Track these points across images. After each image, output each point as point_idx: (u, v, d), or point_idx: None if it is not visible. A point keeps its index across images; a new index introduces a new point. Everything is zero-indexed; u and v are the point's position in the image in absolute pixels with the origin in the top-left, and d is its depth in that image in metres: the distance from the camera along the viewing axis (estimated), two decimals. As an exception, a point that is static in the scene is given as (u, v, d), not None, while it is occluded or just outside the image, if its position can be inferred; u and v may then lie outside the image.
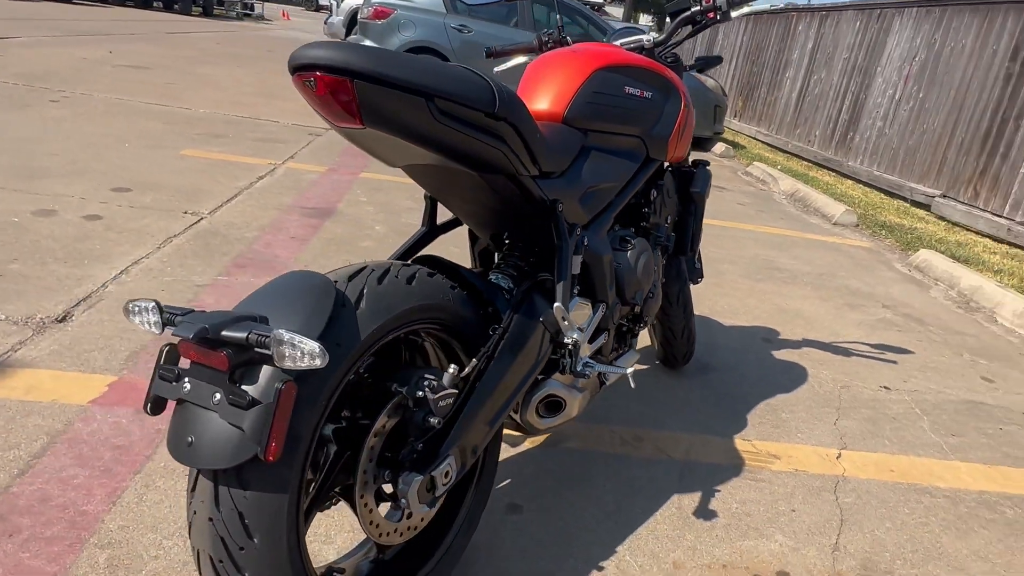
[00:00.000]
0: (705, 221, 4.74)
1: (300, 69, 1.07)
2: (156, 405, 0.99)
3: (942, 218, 6.36)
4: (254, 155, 4.80)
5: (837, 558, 1.69)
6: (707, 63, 2.22)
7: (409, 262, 1.33)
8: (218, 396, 0.92)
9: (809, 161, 8.90)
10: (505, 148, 1.25)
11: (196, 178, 4.02)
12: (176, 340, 0.95)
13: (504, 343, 1.32)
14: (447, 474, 1.23)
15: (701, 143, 8.82)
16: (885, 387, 2.69)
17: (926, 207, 6.65)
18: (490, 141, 1.22)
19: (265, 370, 0.93)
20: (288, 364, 0.88)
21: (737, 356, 2.75)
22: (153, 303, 0.96)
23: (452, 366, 1.23)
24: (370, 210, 3.98)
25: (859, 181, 7.78)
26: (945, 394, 2.71)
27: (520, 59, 2.15)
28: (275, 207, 3.74)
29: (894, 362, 2.94)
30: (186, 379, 0.95)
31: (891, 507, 1.93)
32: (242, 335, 0.90)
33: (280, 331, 0.89)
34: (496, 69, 2.30)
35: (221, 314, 0.95)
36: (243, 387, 0.92)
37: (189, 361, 0.95)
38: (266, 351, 0.89)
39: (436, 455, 1.21)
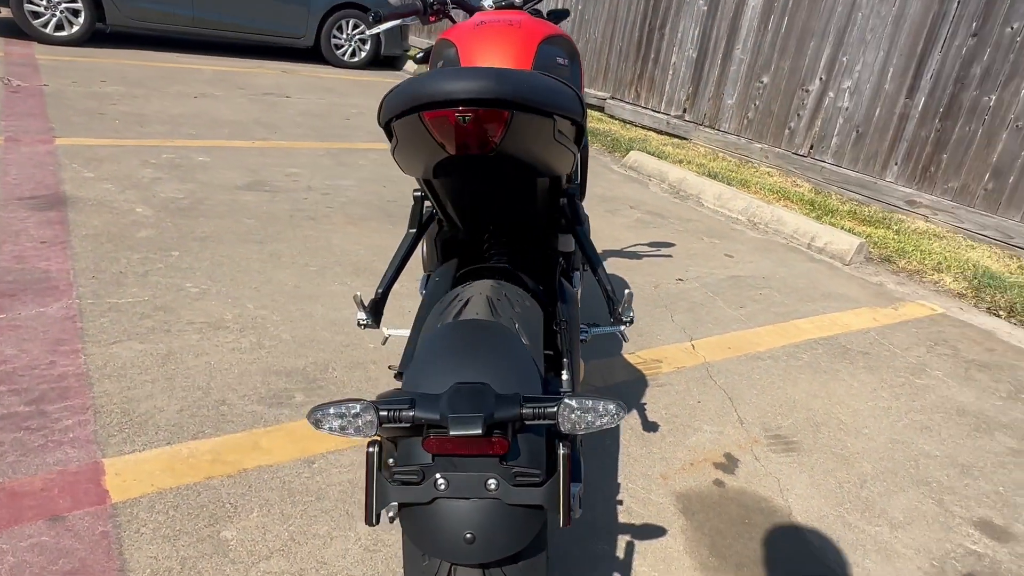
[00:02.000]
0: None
1: (448, 104, 0.93)
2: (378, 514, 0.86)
3: (613, 117, 7.37)
4: None
5: (747, 429, 2.10)
6: (559, 16, 2.28)
7: (464, 272, 1.28)
8: (493, 482, 0.84)
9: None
10: (576, 151, 1.23)
11: None
12: (418, 436, 0.83)
13: (570, 334, 1.35)
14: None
15: (391, 61, 8.74)
16: (680, 279, 3.22)
17: (600, 108, 7.61)
18: (575, 149, 1.19)
19: (537, 440, 0.87)
20: (581, 429, 0.84)
21: (568, 278, 3.04)
22: (367, 403, 0.82)
23: (563, 372, 1.24)
24: (111, 188, 3.29)
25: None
26: (715, 275, 3.35)
27: (395, 22, 1.99)
28: (-11, 205, 2.89)
29: (669, 256, 3.52)
30: (438, 475, 0.84)
31: (747, 377, 2.41)
32: (514, 412, 0.83)
33: (569, 400, 0.83)
34: (370, 32, 2.11)
35: (466, 394, 0.85)
36: (523, 465, 0.85)
37: (433, 454, 0.84)
38: (551, 421, 0.84)
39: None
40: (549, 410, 0.84)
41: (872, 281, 3.51)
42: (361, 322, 1.46)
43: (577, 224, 1.49)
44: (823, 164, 5.15)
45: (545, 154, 1.14)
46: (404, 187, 3.99)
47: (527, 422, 0.85)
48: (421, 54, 2.12)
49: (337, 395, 2.01)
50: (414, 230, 1.53)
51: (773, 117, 5.51)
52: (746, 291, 3.18)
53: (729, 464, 1.93)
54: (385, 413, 0.82)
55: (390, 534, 1.54)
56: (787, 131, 5.40)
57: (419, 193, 1.55)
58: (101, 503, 1.51)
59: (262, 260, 2.79)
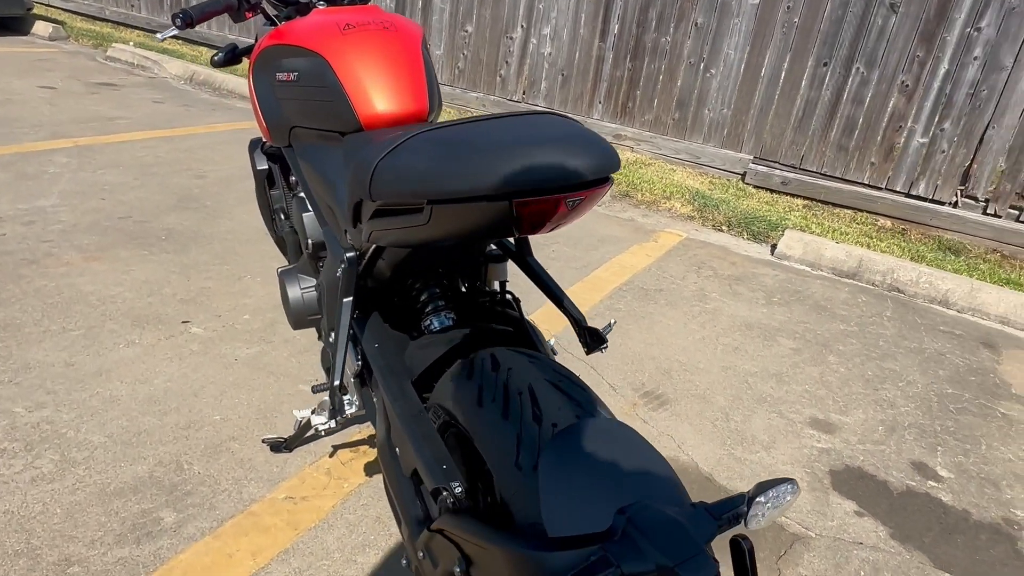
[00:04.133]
0: (126, 137, 4.13)
1: (564, 188, 0.74)
2: None
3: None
4: None
5: (622, 394, 2.21)
6: None
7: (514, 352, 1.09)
8: None
9: (143, 28, 7.93)
10: None
11: None
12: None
13: None
14: None
15: (14, 25, 6.83)
16: (479, 250, 3.18)
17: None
18: None
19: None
20: (765, 524, 0.78)
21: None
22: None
23: None
24: None
25: (212, 45, 7.44)
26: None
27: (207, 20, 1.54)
28: None
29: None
30: None
31: (588, 340, 2.52)
32: (714, 528, 0.74)
33: (761, 498, 0.76)
34: (166, 35, 1.58)
35: (660, 527, 0.73)
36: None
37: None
38: (739, 523, 0.76)
39: None
40: (740, 511, 0.78)
41: (624, 217, 3.88)
42: (321, 429, 1.16)
43: (528, 253, 1.36)
44: (538, 108, 5.44)
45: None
46: (128, 194, 3.23)
47: (720, 533, 0.77)
48: (220, 55, 1.69)
49: (219, 498, 1.61)
50: (350, 298, 1.24)
51: (483, 65, 5.60)
52: (539, 252, 3.27)
53: (626, 434, 2.02)
54: None
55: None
56: (499, 78, 5.55)
57: (352, 253, 1.25)
58: None
59: (-6, 337, 2.05)
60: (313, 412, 1.17)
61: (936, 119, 4.13)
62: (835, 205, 4.48)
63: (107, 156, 3.72)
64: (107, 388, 1.91)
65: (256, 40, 1.73)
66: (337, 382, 1.18)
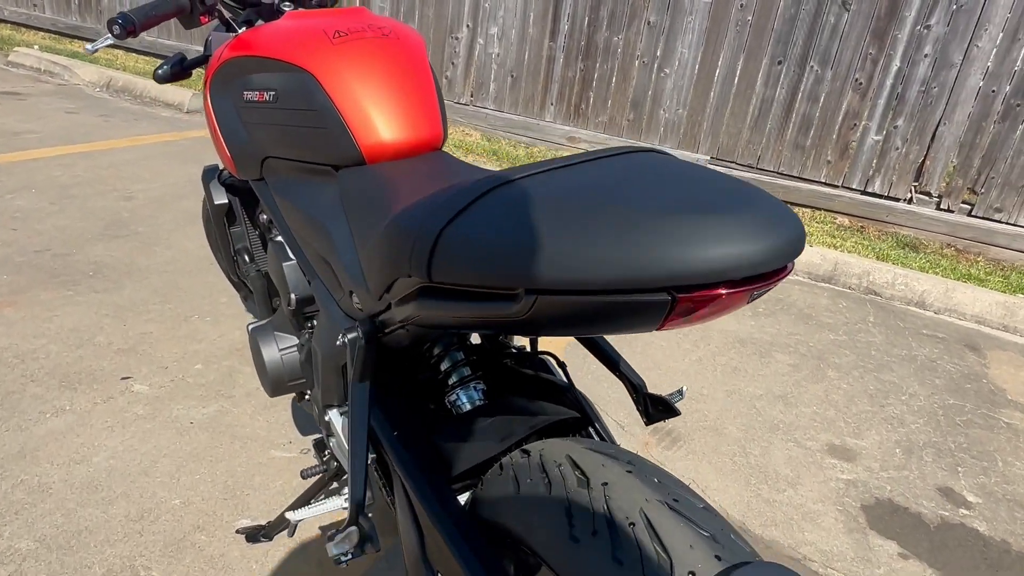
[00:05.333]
0: (47, 152, 3.68)
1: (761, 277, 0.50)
2: None
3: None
4: None
5: (631, 432, 2.00)
6: None
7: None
8: None
9: (49, 31, 7.20)
10: None
11: None
12: None
13: None
14: None
15: None
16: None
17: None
18: None
19: None
20: None
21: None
22: None
23: None
24: None
25: (129, 49, 6.82)
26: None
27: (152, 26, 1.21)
28: None
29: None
30: None
31: (581, 366, 2.29)
32: None
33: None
34: (90, 48, 1.24)
35: None
36: None
37: None
38: None
39: None
40: None
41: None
42: (343, 559, 0.88)
43: None
44: (487, 111, 5.17)
45: None
46: (45, 222, 2.79)
47: None
48: (165, 67, 1.37)
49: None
50: (366, 384, 0.97)
51: (428, 67, 5.29)
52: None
53: (644, 480, 1.81)
54: None
55: None
56: (445, 80, 5.26)
57: (370, 327, 0.97)
58: None
59: None
60: (331, 539, 0.90)
61: (889, 116, 4.10)
62: (794, 204, 4.41)
63: (16, 177, 3.24)
64: (34, 473, 1.56)
65: (208, 48, 1.42)
66: (360, 499, 0.90)
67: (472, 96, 5.19)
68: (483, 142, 4.88)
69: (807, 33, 4.19)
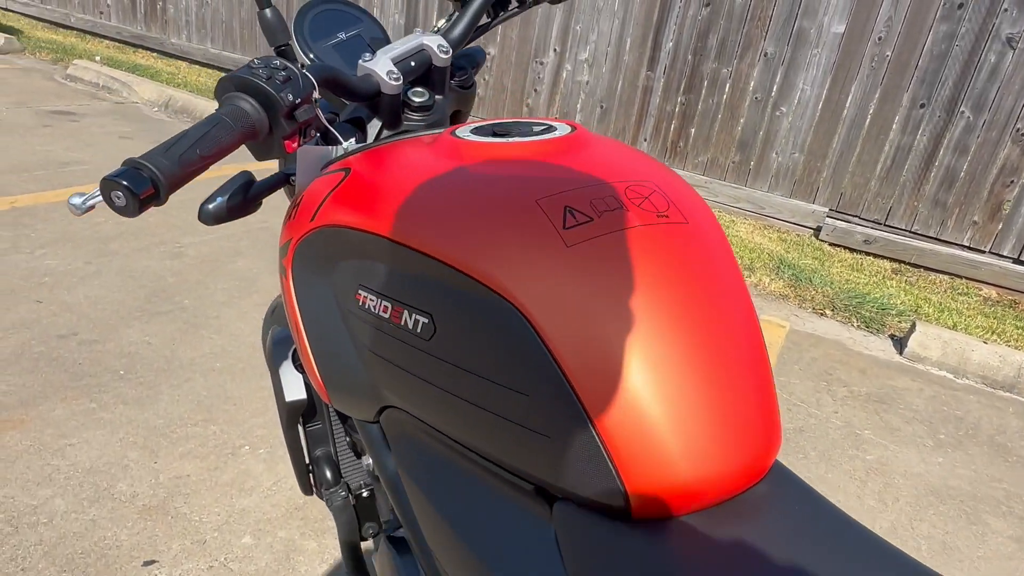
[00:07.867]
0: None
1: None
2: None
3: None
4: None
5: None
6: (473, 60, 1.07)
7: None
8: None
9: (114, 39, 6.85)
10: None
11: None
12: None
13: None
14: None
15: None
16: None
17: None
18: None
19: None
20: None
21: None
22: None
23: None
24: None
25: (193, 60, 6.40)
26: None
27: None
28: None
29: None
30: None
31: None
32: None
33: None
34: (78, 203, 0.65)
35: None
36: None
37: None
38: None
39: None
40: None
41: (706, 298, 3.04)
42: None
43: None
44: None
45: None
46: (76, 291, 2.29)
47: None
48: (220, 200, 0.80)
49: None
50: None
51: (508, 93, 4.70)
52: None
53: None
54: None
55: None
56: (526, 108, 4.66)
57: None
58: None
59: None
60: None
61: (1060, 175, 3.36)
62: (928, 269, 3.70)
63: (53, 226, 2.76)
64: None
65: (291, 166, 0.84)
66: None
67: (554, 127, 4.58)
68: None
69: (959, 73, 3.46)
